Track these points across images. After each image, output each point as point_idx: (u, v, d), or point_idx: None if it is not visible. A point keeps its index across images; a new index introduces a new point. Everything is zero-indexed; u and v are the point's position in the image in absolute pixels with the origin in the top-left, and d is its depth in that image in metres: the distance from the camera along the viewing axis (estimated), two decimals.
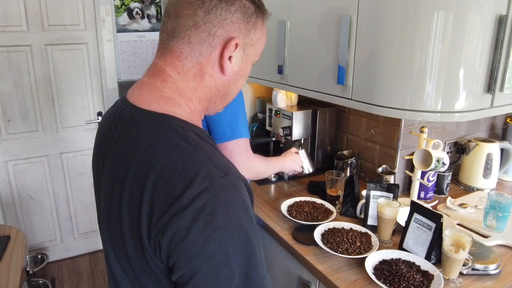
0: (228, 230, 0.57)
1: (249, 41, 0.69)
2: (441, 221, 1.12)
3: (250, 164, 1.28)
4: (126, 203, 0.62)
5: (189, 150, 0.60)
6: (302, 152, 1.64)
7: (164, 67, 0.68)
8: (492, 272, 1.13)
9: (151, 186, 0.58)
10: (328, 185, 1.59)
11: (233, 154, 1.19)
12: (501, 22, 1.14)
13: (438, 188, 1.64)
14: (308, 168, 1.64)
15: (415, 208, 1.22)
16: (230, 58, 0.68)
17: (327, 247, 1.22)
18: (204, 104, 0.71)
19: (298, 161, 1.58)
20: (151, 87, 0.68)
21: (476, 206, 1.50)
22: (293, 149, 1.62)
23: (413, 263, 1.13)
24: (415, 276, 1.05)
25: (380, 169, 1.64)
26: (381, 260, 1.16)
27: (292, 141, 1.83)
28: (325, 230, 1.33)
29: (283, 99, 1.92)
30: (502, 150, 1.76)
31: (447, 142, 1.77)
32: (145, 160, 0.61)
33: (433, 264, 1.12)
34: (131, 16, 2.54)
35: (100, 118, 2.59)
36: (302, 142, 1.94)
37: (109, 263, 0.71)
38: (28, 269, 2.03)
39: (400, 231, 1.26)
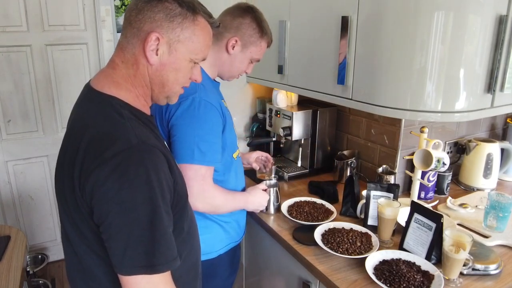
0: (137, 183, 0.72)
1: (175, 37, 0.82)
2: (442, 221, 1.12)
3: (205, 195, 1.17)
4: (67, 159, 0.78)
5: (119, 122, 0.78)
6: (272, 190, 1.51)
7: (114, 57, 0.85)
8: (492, 272, 1.13)
9: (86, 144, 0.75)
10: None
11: (187, 177, 1.09)
12: (501, 22, 1.14)
13: (439, 188, 1.64)
14: (273, 207, 1.53)
15: (415, 208, 1.22)
16: (157, 51, 0.81)
17: (327, 247, 1.22)
18: (144, 90, 0.85)
19: (263, 200, 1.42)
20: (105, 74, 0.85)
21: (476, 206, 1.50)
22: (262, 185, 1.46)
23: (414, 263, 1.13)
24: (415, 276, 1.05)
25: (380, 169, 1.64)
26: (381, 260, 1.16)
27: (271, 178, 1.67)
28: (325, 230, 1.32)
29: (283, 99, 1.92)
30: (502, 150, 1.76)
31: (447, 142, 1.77)
32: (83, 126, 0.78)
33: (434, 264, 1.12)
34: None
35: None
36: (302, 142, 1.94)
37: (59, 210, 0.89)
38: (28, 269, 2.03)
39: (401, 231, 1.26)
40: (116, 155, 0.72)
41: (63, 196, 0.82)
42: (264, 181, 1.50)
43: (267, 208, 1.51)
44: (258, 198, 1.40)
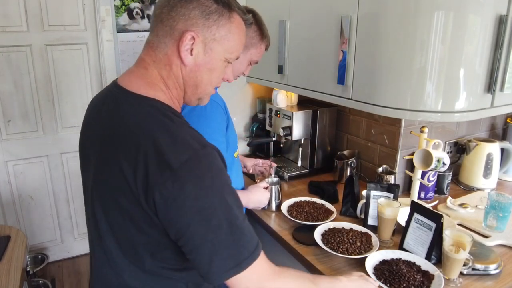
0: (213, 188, 0.71)
1: (210, 36, 0.77)
2: (442, 221, 1.12)
3: None
4: (119, 172, 0.71)
5: (172, 127, 0.73)
6: (273, 188, 1.51)
7: (144, 57, 0.81)
8: (492, 272, 1.13)
9: (144, 156, 0.69)
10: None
11: None
12: (501, 22, 1.14)
13: (439, 188, 1.64)
14: (275, 204, 1.53)
15: (415, 208, 1.22)
16: (192, 50, 0.77)
17: (327, 247, 1.22)
18: (178, 92, 0.82)
19: (264, 198, 1.43)
20: (137, 74, 0.80)
21: (476, 206, 1.50)
22: (263, 183, 1.46)
23: (414, 263, 1.13)
24: (415, 276, 1.05)
25: (380, 169, 1.64)
26: (381, 260, 1.16)
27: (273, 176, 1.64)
28: (325, 230, 1.32)
29: (283, 99, 1.92)
30: (502, 150, 1.76)
31: (447, 142, 1.77)
32: (135, 135, 0.72)
33: (434, 264, 1.12)
34: (131, 16, 2.54)
35: None
36: (302, 142, 1.94)
37: (97, 223, 0.81)
38: (28, 269, 2.03)
39: (401, 231, 1.26)
40: (183, 164, 0.68)
41: (113, 210, 0.76)
42: (266, 179, 1.51)
43: (268, 204, 1.50)
44: (259, 196, 1.41)
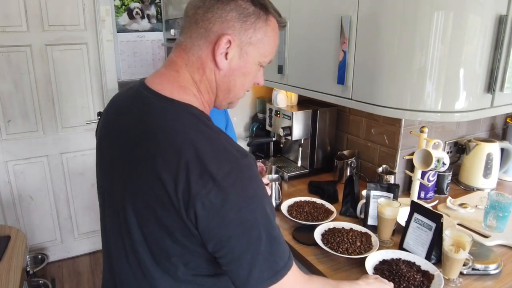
0: (255, 199, 0.69)
1: (247, 39, 0.75)
2: (441, 221, 1.12)
3: None
4: (158, 180, 0.68)
5: (213, 136, 0.70)
6: (274, 185, 1.48)
7: (175, 59, 0.77)
8: (492, 272, 1.13)
9: (186, 166, 0.66)
10: None
11: None
12: (501, 22, 1.14)
13: (438, 188, 1.64)
14: (275, 202, 1.51)
15: (415, 208, 1.22)
16: (226, 54, 0.74)
17: (327, 247, 1.22)
18: (210, 96, 0.79)
19: None
20: (168, 77, 0.76)
21: (476, 206, 1.50)
22: (264, 179, 1.40)
23: (413, 263, 1.13)
24: (415, 276, 1.05)
25: (380, 169, 1.64)
26: (381, 260, 1.16)
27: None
28: (325, 230, 1.32)
29: (283, 99, 1.92)
30: (502, 150, 1.76)
31: (447, 142, 1.77)
32: (176, 143, 0.68)
33: (433, 264, 1.12)
34: (131, 16, 2.54)
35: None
36: (302, 142, 1.94)
37: (129, 231, 0.76)
38: (28, 269, 2.03)
39: (400, 231, 1.26)
40: (227, 174, 0.66)
41: (148, 218, 0.72)
42: (266, 176, 1.49)
43: None
44: None
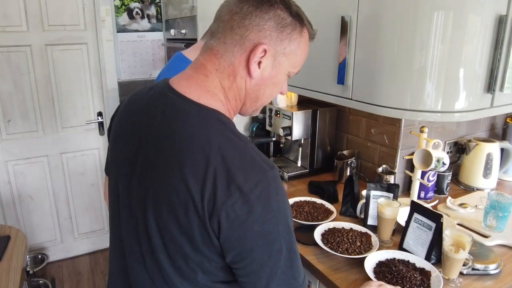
0: (279, 212, 0.68)
1: (281, 50, 0.74)
2: (441, 221, 1.12)
3: None
4: (183, 187, 0.67)
5: (240, 145, 0.70)
6: None
7: (205, 63, 0.75)
8: (492, 272, 1.13)
9: (213, 175, 0.65)
10: None
11: None
12: (501, 22, 1.14)
13: (438, 188, 1.64)
14: None
15: (415, 208, 1.22)
16: (259, 63, 0.73)
17: (327, 247, 1.22)
18: (237, 104, 0.78)
19: None
20: (196, 80, 0.75)
21: (476, 206, 1.50)
22: None
23: (408, 261, 1.14)
24: (415, 275, 1.05)
25: (380, 169, 1.64)
26: (381, 260, 1.16)
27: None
28: (325, 230, 1.33)
29: (283, 99, 1.92)
30: (502, 150, 1.76)
31: (447, 142, 1.77)
32: (204, 150, 0.67)
33: (433, 264, 1.12)
34: (131, 16, 2.54)
35: (100, 118, 2.58)
36: (302, 142, 1.94)
37: (149, 235, 0.74)
38: (28, 269, 2.03)
39: (400, 231, 1.26)
40: (255, 187, 0.65)
41: (169, 224, 0.70)
42: None
43: None
44: None
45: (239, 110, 0.81)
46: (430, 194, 1.61)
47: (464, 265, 1.10)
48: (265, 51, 0.72)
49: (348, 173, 1.78)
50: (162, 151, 0.71)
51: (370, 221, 1.37)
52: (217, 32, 0.74)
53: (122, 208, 0.81)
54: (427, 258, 1.14)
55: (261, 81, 0.76)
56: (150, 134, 0.74)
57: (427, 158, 1.38)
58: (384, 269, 1.10)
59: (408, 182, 1.63)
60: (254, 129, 2.20)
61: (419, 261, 1.13)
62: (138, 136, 0.77)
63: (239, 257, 0.69)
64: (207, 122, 0.70)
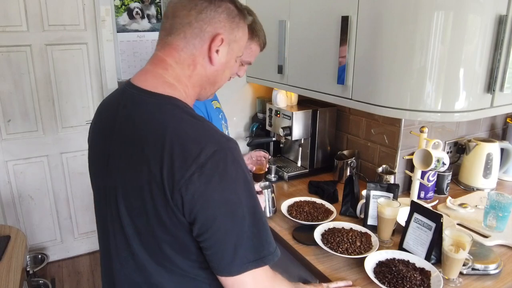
0: (237, 180, 0.72)
1: (233, 37, 0.83)
2: (441, 221, 1.12)
3: None
4: (146, 170, 0.72)
5: (196, 123, 0.74)
6: (266, 192, 1.40)
7: (164, 57, 0.81)
8: (492, 272, 1.13)
9: (169, 153, 0.70)
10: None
11: None
12: (501, 22, 1.14)
13: (438, 188, 1.64)
14: (270, 210, 1.45)
15: (415, 208, 1.22)
16: (217, 51, 0.81)
17: (327, 247, 1.22)
18: (196, 89, 0.84)
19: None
20: (154, 74, 0.80)
21: (476, 206, 1.50)
22: (256, 187, 1.34)
23: (408, 261, 1.14)
24: (415, 275, 1.05)
25: (380, 169, 1.64)
26: (381, 260, 1.16)
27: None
28: (325, 230, 1.33)
29: (283, 99, 1.92)
30: (502, 150, 1.76)
31: (447, 142, 1.77)
32: (159, 132, 0.72)
33: (433, 264, 1.12)
34: (131, 16, 2.54)
35: None
36: (302, 142, 1.94)
37: (122, 226, 0.79)
38: (28, 269, 2.03)
39: (400, 231, 1.26)
40: (210, 158, 0.69)
41: (140, 212, 0.75)
42: (258, 183, 1.42)
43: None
44: None
45: (199, 95, 0.88)
46: (430, 194, 1.61)
47: (464, 265, 1.10)
48: (222, 40, 0.80)
49: (348, 173, 1.78)
50: (125, 141, 0.77)
51: (370, 221, 1.37)
52: (174, 28, 0.80)
53: (103, 206, 0.86)
54: (427, 258, 1.14)
55: (220, 66, 0.83)
56: (115, 128, 0.80)
57: (427, 158, 1.38)
58: (384, 269, 1.10)
59: (408, 182, 1.63)
60: (254, 129, 2.20)
61: (419, 261, 1.13)
62: (108, 135, 0.82)
63: (204, 228, 0.72)
64: (162, 107, 0.76)
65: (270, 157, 1.66)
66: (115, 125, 0.81)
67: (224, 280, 0.75)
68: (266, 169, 1.69)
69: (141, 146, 0.74)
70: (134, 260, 0.80)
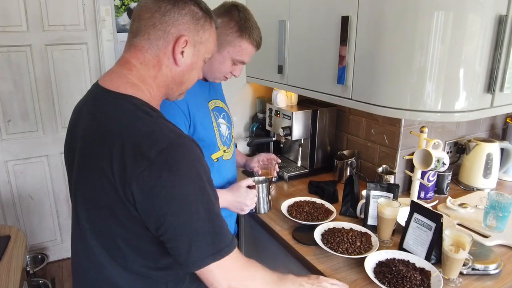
0: (187, 176, 0.73)
1: (198, 39, 0.84)
2: (441, 221, 1.12)
3: None
4: (99, 167, 0.74)
5: (149, 120, 0.76)
6: (261, 187, 1.28)
7: (129, 59, 0.83)
8: (492, 272, 1.13)
9: (121, 150, 0.72)
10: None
11: None
12: (501, 22, 1.14)
13: (438, 188, 1.64)
14: (263, 207, 1.31)
15: (415, 208, 1.22)
16: (182, 52, 0.82)
17: (327, 247, 1.22)
18: (162, 90, 0.86)
19: (247, 200, 1.21)
20: (119, 74, 0.83)
21: (476, 206, 1.50)
22: (247, 181, 1.24)
23: (408, 261, 1.14)
24: (415, 275, 1.05)
25: (380, 169, 1.64)
26: (381, 260, 1.16)
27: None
28: (325, 230, 1.33)
29: (283, 99, 1.92)
30: (502, 150, 1.76)
31: (447, 142, 1.77)
32: (114, 129, 0.75)
33: (433, 264, 1.12)
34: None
35: None
36: (302, 142, 1.94)
37: (79, 222, 0.84)
38: (28, 269, 2.03)
39: (400, 231, 1.26)
40: (160, 153, 0.71)
41: (95, 207, 0.79)
42: (252, 178, 1.30)
43: (256, 209, 1.29)
44: (240, 198, 1.22)
45: (167, 95, 0.89)
46: (430, 194, 1.61)
47: (464, 265, 1.10)
48: (186, 41, 0.82)
49: (348, 173, 1.78)
50: (85, 139, 0.81)
51: (370, 221, 1.37)
52: (139, 30, 0.82)
53: (73, 208, 0.90)
54: (427, 258, 1.14)
55: (185, 67, 0.85)
56: (79, 126, 0.84)
57: (427, 158, 1.38)
58: (384, 269, 1.10)
59: (408, 182, 1.63)
60: (254, 129, 2.20)
61: (419, 261, 1.13)
62: (75, 135, 0.86)
63: (158, 223, 0.73)
64: (120, 106, 0.78)
65: (279, 161, 1.55)
66: (79, 124, 0.84)
67: (196, 271, 0.78)
68: (274, 175, 1.55)
69: (96, 143, 0.77)
70: (88, 252, 0.83)
